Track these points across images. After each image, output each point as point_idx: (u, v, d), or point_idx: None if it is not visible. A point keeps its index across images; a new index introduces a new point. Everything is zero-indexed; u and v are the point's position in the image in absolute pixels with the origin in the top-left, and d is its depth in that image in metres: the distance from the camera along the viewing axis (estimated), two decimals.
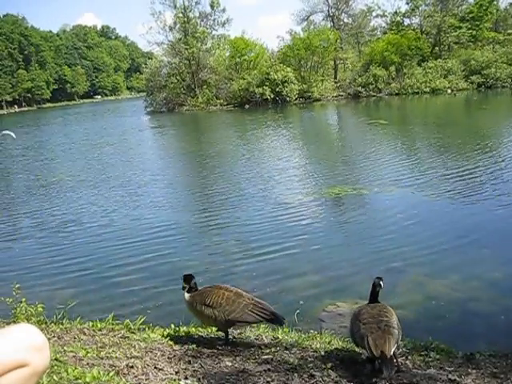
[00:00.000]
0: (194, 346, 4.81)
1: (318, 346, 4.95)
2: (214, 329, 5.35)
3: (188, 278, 5.06)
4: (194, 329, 5.31)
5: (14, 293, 6.10)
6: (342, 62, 71.60)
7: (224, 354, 4.63)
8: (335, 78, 67.90)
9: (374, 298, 4.54)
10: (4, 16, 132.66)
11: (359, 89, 59.39)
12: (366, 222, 11.15)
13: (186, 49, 64.86)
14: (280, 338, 5.12)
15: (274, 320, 4.69)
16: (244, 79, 61.08)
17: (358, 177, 15.56)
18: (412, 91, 57.85)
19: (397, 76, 59.70)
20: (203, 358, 4.49)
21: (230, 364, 4.40)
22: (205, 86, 64.04)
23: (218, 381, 4.02)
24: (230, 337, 5.07)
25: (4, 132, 32.21)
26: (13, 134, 31.30)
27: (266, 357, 4.55)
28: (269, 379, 4.12)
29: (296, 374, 4.22)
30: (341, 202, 12.95)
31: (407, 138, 24.47)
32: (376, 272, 8.03)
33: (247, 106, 58.17)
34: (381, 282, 4.57)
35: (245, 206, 13.12)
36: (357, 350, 4.74)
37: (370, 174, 15.82)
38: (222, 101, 62.29)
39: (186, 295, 4.98)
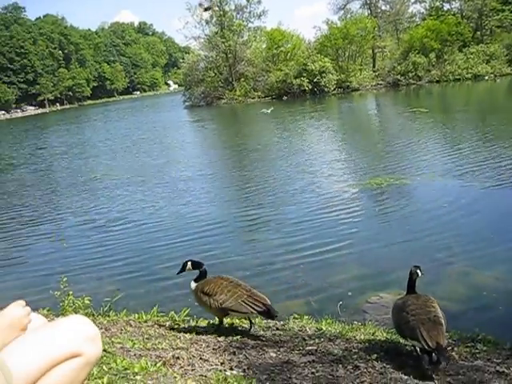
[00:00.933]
0: (238, 337, 4.84)
1: (361, 337, 4.92)
2: (258, 320, 5.38)
3: (196, 265, 5.17)
4: (237, 320, 5.35)
5: (62, 286, 6.25)
6: (380, 50, 70.54)
7: (268, 345, 4.65)
8: (374, 66, 67.06)
9: (412, 287, 4.51)
10: (44, 16, 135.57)
11: (398, 77, 58.52)
12: (410, 212, 10.99)
13: (223, 42, 65.00)
14: (324, 329, 5.12)
15: (267, 313, 4.71)
16: (281, 71, 60.90)
17: (401, 166, 15.33)
18: (453, 78, 56.72)
19: (437, 63, 58.58)
20: (247, 350, 4.51)
21: (274, 355, 4.42)
22: (242, 79, 64.11)
23: (263, 372, 4.04)
24: (274, 328, 5.10)
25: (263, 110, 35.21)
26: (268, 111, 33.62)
27: (310, 348, 4.56)
28: (313, 370, 4.12)
29: (341, 365, 4.20)
30: (383, 192, 12.79)
31: (449, 126, 23.98)
32: (420, 263, 7.94)
33: (285, 98, 58.01)
34: (418, 271, 4.55)
35: (286, 198, 13.10)
36: (402, 341, 4.70)
37: (413, 163, 15.57)
38: (259, 93, 62.24)
39: (192, 283, 5.09)
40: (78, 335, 1.75)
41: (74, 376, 1.72)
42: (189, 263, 5.20)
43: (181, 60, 79.04)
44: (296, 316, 5.58)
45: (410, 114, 29.00)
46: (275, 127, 31.70)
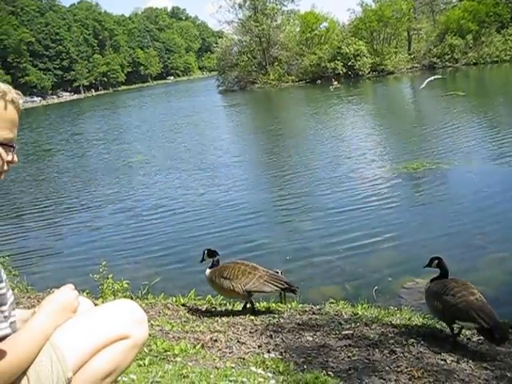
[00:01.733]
0: (275, 320, 4.90)
1: (397, 322, 4.93)
2: (294, 305, 5.43)
3: (211, 254, 5.34)
4: (273, 304, 5.41)
5: (101, 270, 6.40)
6: (415, 32, 69.14)
7: (304, 329, 4.70)
8: (409, 49, 65.79)
9: (445, 271, 4.55)
10: (78, 3, 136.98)
11: (434, 60, 57.44)
12: (448, 197, 10.82)
13: (256, 26, 64.75)
14: (359, 313, 5.13)
15: (288, 289, 5.04)
16: (315, 54, 60.43)
17: (438, 151, 15.06)
18: (491, 60, 55.39)
19: (474, 45, 57.26)
20: (284, 333, 4.57)
21: (310, 339, 4.46)
22: (276, 63, 63.82)
23: (300, 355, 4.09)
24: (310, 312, 5.14)
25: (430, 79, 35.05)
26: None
27: (346, 332, 4.58)
28: (350, 354, 4.15)
29: (377, 350, 4.22)
30: (420, 177, 12.62)
31: (488, 110, 23.45)
32: (456, 249, 7.87)
33: (319, 82, 57.54)
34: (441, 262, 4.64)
35: (322, 183, 13.02)
36: (439, 326, 4.70)
37: (451, 147, 15.28)
38: (293, 77, 61.94)
39: (207, 271, 5.25)
40: (126, 318, 1.81)
41: (122, 358, 1.78)
42: (205, 252, 5.40)
43: (214, 45, 79.00)
44: (332, 301, 5.60)
45: (447, 98, 28.49)
46: (308, 112, 31.47)
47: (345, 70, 57.52)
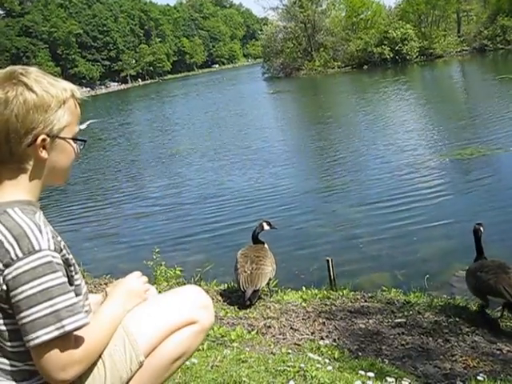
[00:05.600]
0: (327, 308, 4.94)
1: (451, 310, 4.90)
2: (346, 292, 5.44)
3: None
4: (325, 292, 5.44)
5: (154, 257, 6.56)
6: (465, 14, 67.17)
7: (357, 316, 4.73)
8: (458, 32, 63.98)
9: (480, 250, 4.64)
10: None
11: (485, 42, 55.65)
12: (503, 184, 10.50)
13: (301, 12, 64.27)
14: (412, 301, 5.12)
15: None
16: (361, 39, 59.60)
17: (492, 136, 14.58)
18: None
19: None
20: (336, 320, 4.61)
21: (363, 326, 4.49)
22: (321, 49, 63.21)
23: (354, 342, 4.13)
24: (362, 300, 5.16)
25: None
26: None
27: (399, 320, 4.59)
28: (403, 342, 4.17)
29: (431, 338, 4.23)
30: (474, 163, 12.28)
31: None
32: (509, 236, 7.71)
33: (365, 67, 56.76)
34: (481, 228, 4.76)
35: (370, 170, 12.88)
36: (492, 315, 4.65)
37: (505, 132, 14.82)
38: (339, 63, 61.22)
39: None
40: (193, 303, 1.88)
41: (189, 342, 1.85)
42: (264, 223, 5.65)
43: (259, 32, 78.97)
44: (384, 288, 5.60)
45: (499, 82, 27.69)
46: (354, 98, 31.07)
47: (392, 55, 56.52)
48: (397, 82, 36.98)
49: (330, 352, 3.68)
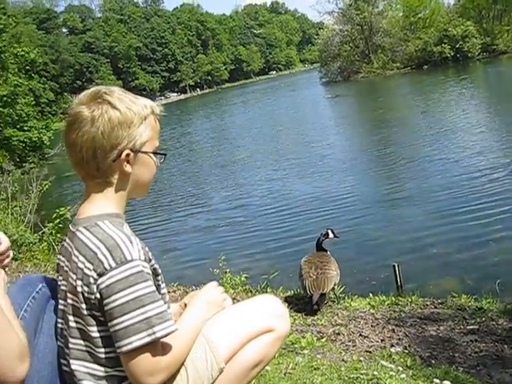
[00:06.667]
0: (396, 314, 4.88)
1: None
2: (414, 298, 5.36)
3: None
4: (393, 298, 5.37)
5: (220, 264, 6.66)
6: None
7: (427, 323, 4.64)
8: None
9: None
10: (181, 6, 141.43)
11: None
12: None
13: (358, 14, 63.69)
14: (484, 308, 4.98)
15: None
16: (420, 39, 58.47)
17: None
18: None
19: None
20: (406, 327, 4.55)
21: (434, 333, 4.41)
22: (379, 51, 62.42)
23: (425, 349, 4.06)
24: (432, 306, 5.07)
25: None
26: None
27: (471, 327, 4.48)
28: (477, 350, 4.07)
29: (506, 346, 4.10)
30: None
31: None
32: None
33: (425, 67, 55.62)
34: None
35: (433, 174, 12.54)
36: None
37: None
38: (398, 64, 60.23)
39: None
40: (270, 312, 1.93)
41: (267, 349, 1.90)
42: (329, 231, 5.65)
43: (315, 36, 78.64)
44: (454, 294, 5.48)
45: None
46: (419, 99, 30.14)
47: (452, 53, 55.19)
48: (460, 81, 36.01)
49: (402, 360, 3.64)
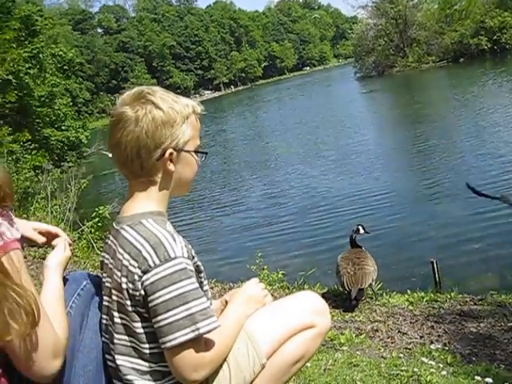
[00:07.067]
0: (435, 311, 4.84)
1: None
2: (453, 295, 5.30)
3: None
4: (432, 294, 5.32)
5: (257, 261, 6.70)
6: None
7: (467, 320, 4.60)
8: None
9: None
10: (214, 4, 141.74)
11: None
12: None
13: (392, 7, 62.83)
14: None
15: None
16: (456, 31, 57.35)
17: None
18: None
19: None
20: (446, 324, 4.51)
21: (474, 330, 4.36)
22: (414, 44, 61.45)
23: (465, 347, 4.02)
24: (471, 303, 5.01)
25: None
26: None
27: None
28: None
29: None
30: None
31: None
32: None
33: (462, 60, 54.61)
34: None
35: (472, 170, 12.35)
36: None
37: None
38: (433, 57, 59.19)
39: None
40: (311, 308, 1.94)
41: (308, 345, 1.91)
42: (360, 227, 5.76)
43: (348, 31, 78.01)
44: (493, 291, 5.39)
45: None
46: (456, 92, 29.28)
47: (490, 45, 54.05)
48: (499, 73, 35.10)
49: (442, 356, 3.62)
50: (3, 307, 1.35)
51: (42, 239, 1.93)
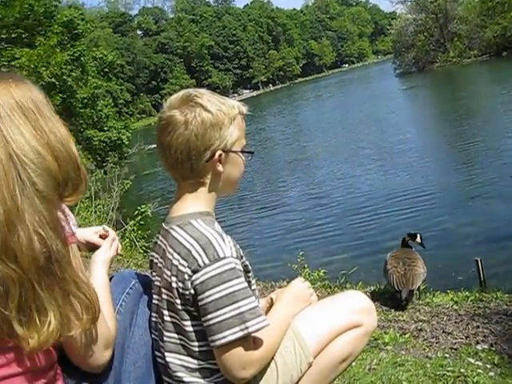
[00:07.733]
0: (480, 311, 4.75)
1: None
2: (499, 294, 5.20)
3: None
4: (477, 294, 5.23)
5: (299, 260, 6.71)
6: None
7: None
8: None
9: None
10: (251, 3, 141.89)
11: None
12: None
13: (432, 2, 61.89)
14: None
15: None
16: (499, 24, 55.91)
17: None
18: None
19: None
20: (492, 324, 4.42)
21: None
22: (455, 39, 60.37)
23: None
24: None
25: None
26: None
27: None
28: None
29: None
30: None
31: None
32: None
33: (505, 54, 53.31)
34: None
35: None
36: None
37: None
38: (475, 52, 58.02)
39: None
40: (357, 307, 1.95)
41: (355, 344, 1.92)
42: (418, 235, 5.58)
43: (387, 27, 77.05)
44: None
45: None
46: (501, 88, 28.26)
47: None
48: None
49: (488, 357, 3.55)
50: (67, 303, 1.38)
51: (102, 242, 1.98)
